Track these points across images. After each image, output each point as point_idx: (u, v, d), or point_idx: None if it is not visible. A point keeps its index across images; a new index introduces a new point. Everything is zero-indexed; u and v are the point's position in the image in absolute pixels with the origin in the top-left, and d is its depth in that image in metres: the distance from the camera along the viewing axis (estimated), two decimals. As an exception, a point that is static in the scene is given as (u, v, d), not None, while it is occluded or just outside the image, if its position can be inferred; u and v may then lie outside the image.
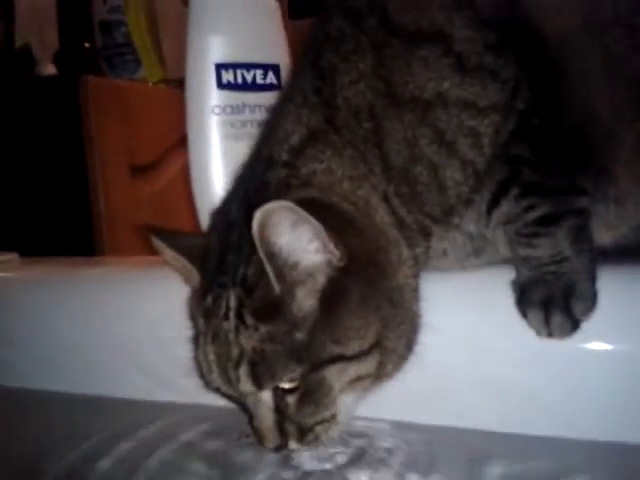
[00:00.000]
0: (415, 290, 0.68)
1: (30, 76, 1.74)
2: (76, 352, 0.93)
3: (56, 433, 0.82)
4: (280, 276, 0.60)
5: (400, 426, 0.73)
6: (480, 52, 0.66)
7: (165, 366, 0.85)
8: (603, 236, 0.73)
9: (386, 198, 0.68)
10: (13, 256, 1.14)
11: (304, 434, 0.65)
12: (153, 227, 0.74)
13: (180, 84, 1.97)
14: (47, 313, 0.96)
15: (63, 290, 0.98)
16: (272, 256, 0.59)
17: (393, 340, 0.64)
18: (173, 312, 0.83)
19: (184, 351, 0.70)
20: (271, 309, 0.61)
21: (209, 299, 0.66)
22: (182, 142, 1.74)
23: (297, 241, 0.60)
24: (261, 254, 0.59)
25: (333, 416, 0.64)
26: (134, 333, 0.89)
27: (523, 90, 0.66)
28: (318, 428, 0.65)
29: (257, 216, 0.57)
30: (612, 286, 0.67)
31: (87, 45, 1.99)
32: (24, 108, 1.59)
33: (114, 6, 1.92)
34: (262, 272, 0.61)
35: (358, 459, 0.67)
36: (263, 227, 0.58)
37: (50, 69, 1.78)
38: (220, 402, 0.74)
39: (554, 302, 0.66)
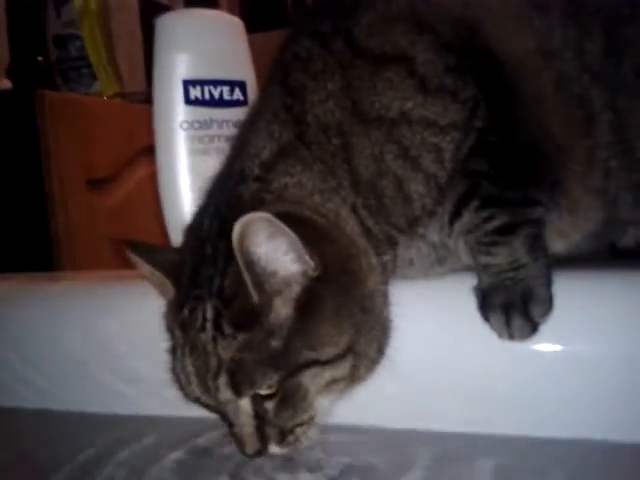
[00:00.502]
0: (384, 296, 0.71)
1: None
2: (44, 368, 0.93)
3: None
4: (258, 285, 0.62)
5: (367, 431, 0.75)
6: (441, 74, 0.70)
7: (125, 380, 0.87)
8: (557, 244, 0.76)
9: (355, 210, 0.71)
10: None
11: (284, 436, 0.67)
12: (129, 241, 0.75)
13: (135, 98, 1.99)
14: (11, 329, 0.95)
15: (28, 306, 0.97)
16: (251, 265, 0.61)
17: (365, 345, 0.67)
18: (134, 326, 0.86)
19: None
20: (249, 318, 0.63)
21: (185, 311, 0.67)
22: (139, 155, 1.77)
23: (275, 251, 0.62)
24: (240, 263, 0.61)
25: (311, 418, 0.67)
26: (99, 347, 0.89)
27: (481, 110, 0.70)
28: (298, 430, 0.67)
29: (237, 227, 0.59)
30: (566, 290, 0.70)
31: (40, 59, 1.97)
32: (-21, 123, 1.56)
33: (68, 20, 1.92)
34: (240, 282, 0.63)
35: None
36: (243, 237, 0.60)
37: (5, 84, 1.75)
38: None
39: (514, 306, 0.69)
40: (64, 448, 0.81)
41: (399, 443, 0.73)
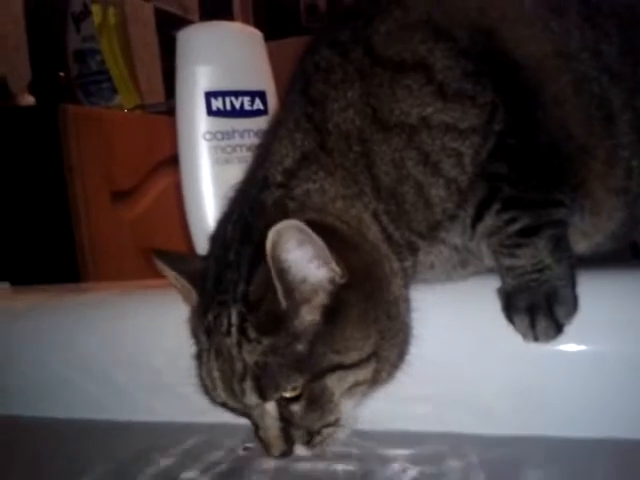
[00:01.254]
0: (407, 301, 0.72)
1: (8, 107, 1.74)
2: (73, 379, 0.94)
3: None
4: (288, 292, 0.64)
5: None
6: (459, 80, 0.70)
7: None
8: (580, 244, 0.77)
9: (376, 216, 0.72)
10: (5, 285, 1.14)
11: (312, 437, 0.68)
12: (157, 250, 0.77)
13: (155, 109, 2.01)
14: (43, 340, 0.97)
15: (58, 316, 0.99)
16: (282, 273, 0.63)
17: (388, 350, 0.68)
18: (167, 333, 0.87)
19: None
20: (274, 323, 0.65)
21: (210, 317, 0.69)
22: (160, 166, 1.79)
23: (304, 259, 0.63)
24: (272, 271, 0.62)
25: (337, 420, 0.68)
26: (131, 357, 0.91)
27: (500, 113, 0.70)
28: (325, 431, 0.68)
29: (270, 235, 0.61)
30: (590, 290, 0.70)
31: (61, 74, 2.00)
32: (4, 139, 1.59)
33: (88, 35, 1.94)
34: (266, 288, 0.64)
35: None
36: (275, 245, 0.61)
37: (27, 99, 1.79)
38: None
39: (538, 308, 0.70)
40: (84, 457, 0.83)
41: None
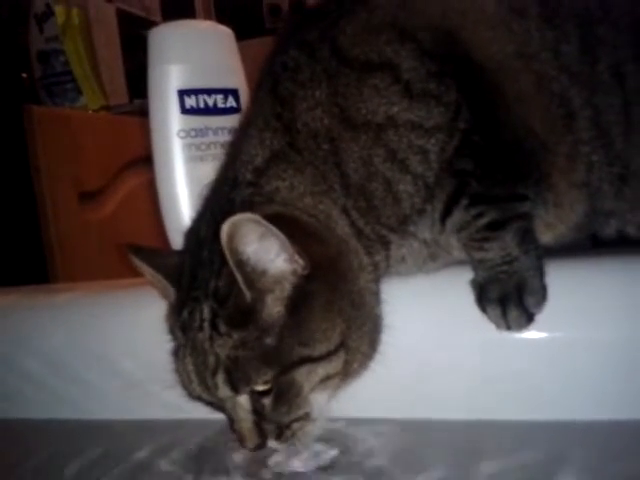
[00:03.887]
0: (376, 293, 0.74)
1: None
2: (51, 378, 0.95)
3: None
4: (249, 283, 0.65)
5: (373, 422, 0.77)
6: (424, 80, 0.72)
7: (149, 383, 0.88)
8: (545, 236, 0.79)
9: (346, 211, 0.73)
10: (-26, 287, 1.13)
11: (282, 432, 0.69)
12: (132, 245, 0.77)
13: (120, 110, 2.00)
14: (15, 343, 0.97)
15: (31, 318, 0.99)
16: (241, 264, 0.64)
17: (357, 340, 0.69)
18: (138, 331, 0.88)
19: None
20: (242, 316, 0.66)
21: (185, 313, 0.70)
22: (127, 167, 1.78)
23: (264, 251, 0.65)
24: (230, 263, 0.64)
25: (307, 414, 0.69)
26: (102, 357, 0.91)
27: (464, 112, 0.72)
28: (294, 425, 0.69)
29: (225, 227, 0.62)
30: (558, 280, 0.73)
31: (24, 75, 1.98)
32: (-33, 140, 1.57)
33: (51, 36, 1.93)
34: (232, 282, 0.66)
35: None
36: (231, 237, 0.62)
37: (-9, 100, 1.76)
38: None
39: (509, 298, 0.72)
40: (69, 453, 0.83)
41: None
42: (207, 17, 3.16)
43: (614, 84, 0.76)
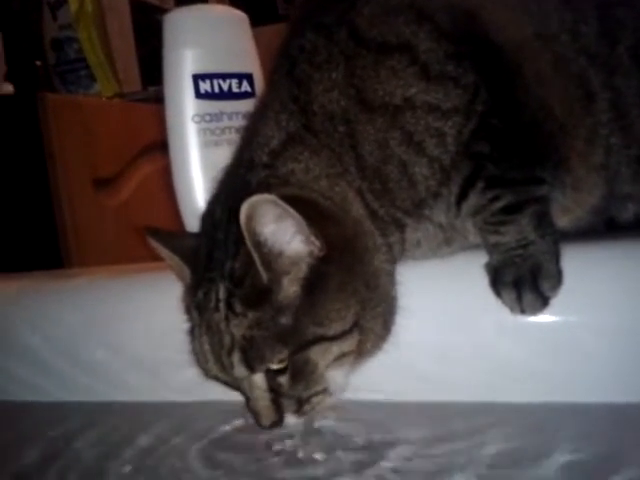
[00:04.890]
0: (391, 275, 0.74)
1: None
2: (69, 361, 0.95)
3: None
4: (266, 264, 0.65)
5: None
6: (442, 61, 0.72)
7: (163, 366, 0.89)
8: (561, 220, 0.79)
9: (361, 193, 0.73)
10: (-9, 272, 1.14)
11: (301, 405, 0.70)
12: (149, 228, 0.78)
13: (134, 97, 2.01)
14: (31, 327, 0.98)
15: (49, 302, 1.00)
16: (258, 245, 0.64)
17: (371, 320, 0.70)
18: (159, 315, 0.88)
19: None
20: (258, 296, 0.67)
21: (200, 294, 0.71)
22: (142, 154, 1.79)
23: (281, 232, 0.65)
24: (248, 243, 0.64)
25: (325, 389, 0.70)
26: (124, 337, 0.92)
27: (482, 94, 0.72)
28: (314, 400, 0.71)
29: (244, 208, 0.62)
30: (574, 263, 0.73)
31: (38, 63, 1.98)
32: (-17, 127, 1.58)
33: (65, 23, 1.93)
34: (249, 263, 0.66)
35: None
36: (250, 218, 0.63)
37: (6, 88, 1.77)
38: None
39: (524, 282, 0.72)
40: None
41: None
42: (220, 2, 3.15)
43: (633, 66, 0.76)
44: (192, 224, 0.89)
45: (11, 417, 0.95)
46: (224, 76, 0.97)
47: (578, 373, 0.73)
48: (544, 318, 0.73)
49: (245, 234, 0.64)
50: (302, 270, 0.67)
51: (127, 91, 2.15)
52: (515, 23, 0.75)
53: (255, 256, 0.65)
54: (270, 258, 0.66)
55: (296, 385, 0.69)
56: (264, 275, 0.66)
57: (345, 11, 0.77)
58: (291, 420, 0.71)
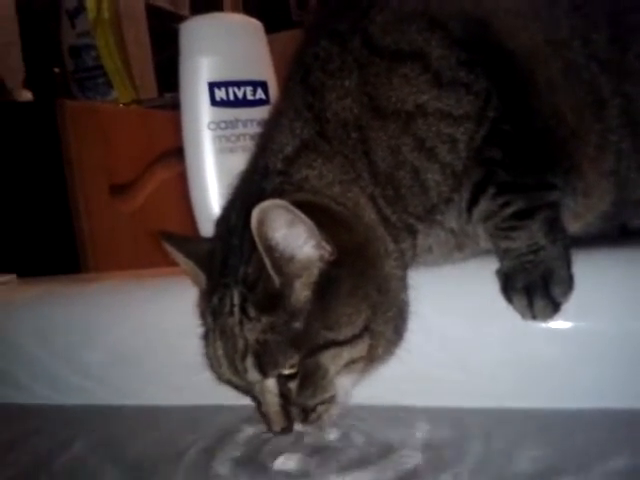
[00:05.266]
0: (402, 280, 0.75)
1: (7, 102, 1.76)
2: (83, 367, 0.97)
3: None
4: (278, 268, 0.66)
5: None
6: (454, 68, 0.73)
7: (174, 372, 0.90)
8: (572, 225, 0.79)
9: (373, 199, 0.74)
10: (12, 277, 1.16)
11: (307, 415, 0.71)
12: (164, 232, 0.79)
13: (150, 104, 2.03)
14: (52, 330, 0.99)
15: (68, 306, 1.01)
16: (270, 249, 0.65)
17: (382, 325, 0.70)
18: (174, 319, 0.89)
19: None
20: (271, 301, 0.67)
21: (215, 299, 0.72)
22: (158, 160, 1.81)
23: (292, 237, 0.66)
24: (260, 247, 0.65)
25: (332, 397, 0.71)
26: (139, 343, 0.94)
27: (493, 100, 0.72)
28: (319, 408, 0.71)
29: (255, 212, 0.63)
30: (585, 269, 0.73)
31: (56, 70, 2.01)
32: (3, 134, 1.60)
33: (82, 31, 1.96)
34: (262, 267, 0.67)
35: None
36: (261, 223, 0.64)
37: (25, 95, 1.80)
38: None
39: (535, 288, 0.72)
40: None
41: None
42: (235, 10, 3.17)
43: None
44: (207, 230, 0.90)
45: (13, 419, 0.97)
46: (239, 84, 0.99)
47: (590, 379, 0.73)
48: (555, 324, 0.73)
49: (256, 239, 0.65)
50: (313, 274, 0.68)
51: (143, 97, 2.18)
52: (526, 30, 0.75)
53: (266, 260, 0.66)
54: (281, 262, 0.66)
55: (304, 392, 0.69)
56: (276, 279, 0.67)
57: (358, 19, 0.78)
58: (300, 427, 0.72)
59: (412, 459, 0.68)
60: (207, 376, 0.74)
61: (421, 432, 0.73)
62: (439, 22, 0.75)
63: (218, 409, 0.86)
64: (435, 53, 0.73)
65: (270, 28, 1.08)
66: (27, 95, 1.81)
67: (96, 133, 1.66)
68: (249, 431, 0.79)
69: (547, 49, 0.75)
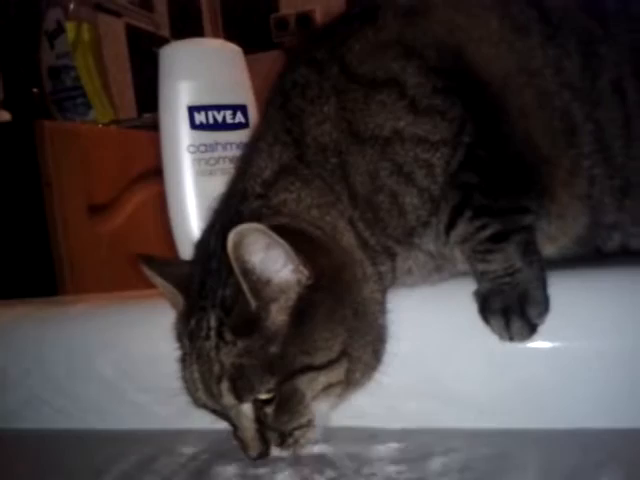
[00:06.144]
0: (381, 304, 0.75)
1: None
2: (62, 389, 0.95)
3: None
4: (254, 292, 0.67)
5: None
6: (430, 95, 0.74)
7: (144, 395, 0.90)
8: (547, 248, 0.80)
9: (352, 223, 0.75)
10: (-12, 299, 1.15)
11: (284, 439, 0.71)
12: (143, 256, 0.79)
13: (129, 124, 2.03)
14: (31, 353, 0.98)
15: (47, 329, 1.00)
16: (246, 273, 0.66)
17: (359, 349, 0.71)
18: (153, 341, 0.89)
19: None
20: (247, 325, 0.68)
21: (192, 322, 0.72)
22: (137, 181, 1.81)
23: (269, 260, 0.67)
24: (236, 271, 0.65)
25: (309, 421, 0.71)
26: (117, 366, 0.92)
27: (468, 126, 0.74)
28: (297, 433, 0.71)
29: (231, 236, 0.64)
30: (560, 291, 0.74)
31: (35, 90, 2.01)
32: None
33: (62, 52, 1.95)
34: (238, 291, 0.67)
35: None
36: (238, 246, 0.64)
37: (3, 116, 1.79)
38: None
39: (512, 309, 0.73)
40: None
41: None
42: (215, 31, 3.19)
43: (615, 99, 0.78)
44: (186, 252, 0.90)
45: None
46: (219, 108, 1.00)
47: (567, 399, 0.74)
48: (532, 344, 0.74)
49: (233, 262, 0.65)
50: (290, 298, 0.68)
51: (123, 118, 2.18)
52: (500, 59, 0.77)
53: (243, 284, 0.66)
54: (258, 286, 0.67)
55: (281, 417, 0.69)
56: (252, 303, 0.67)
57: (337, 47, 0.79)
58: (276, 452, 0.71)
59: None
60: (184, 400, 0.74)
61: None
62: (415, 50, 0.76)
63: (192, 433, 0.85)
64: (411, 81, 0.75)
65: (250, 49, 1.09)
66: (5, 116, 1.79)
67: (75, 153, 1.65)
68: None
69: (520, 78, 0.77)
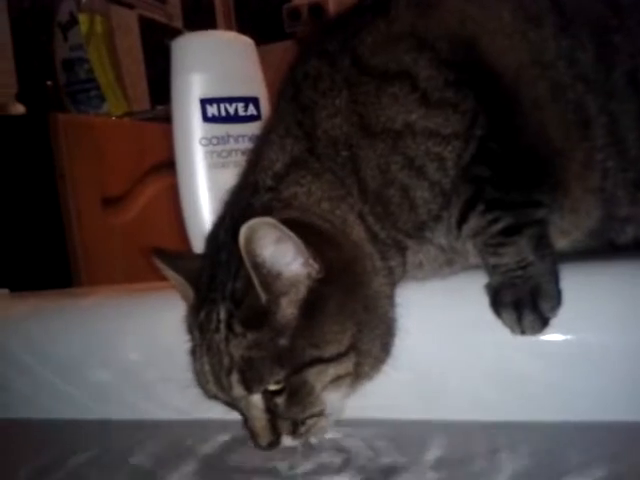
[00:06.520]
0: (390, 297, 0.75)
1: (-2, 116, 1.76)
2: (75, 379, 0.97)
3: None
4: (265, 285, 0.67)
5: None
6: (441, 88, 0.74)
7: (160, 385, 0.90)
8: (560, 242, 0.80)
9: (362, 216, 0.75)
10: (4, 292, 1.16)
11: (296, 428, 0.71)
12: (156, 249, 0.80)
13: (142, 116, 2.03)
14: (47, 345, 0.99)
15: (61, 320, 1.02)
16: (257, 266, 0.66)
17: (368, 343, 0.71)
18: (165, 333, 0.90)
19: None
20: (257, 317, 0.68)
21: (202, 314, 0.73)
22: (150, 173, 1.81)
23: (280, 254, 0.67)
24: (247, 265, 0.66)
25: (321, 411, 0.71)
26: (133, 357, 0.94)
27: (481, 119, 0.73)
28: (309, 422, 0.71)
29: (243, 230, 0.64)
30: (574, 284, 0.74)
31: (49, 83, 2.02)
32: (-4, 147, 1.60)
33: (75, 44, 1.95)
34: (249, 284, 0.68)
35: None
36: (249, 240, 0.65)
37: (18, 108, 1.80)
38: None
39: (524, 303, 0.73)
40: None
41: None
42: (227, 22, 3.20)
43: (630, 91, 0.77)
44: (198, 244, 0.91)
45: (11, 434, 0.97)
46: (231, 100, 1.00)
47: (577, 392, 0.74)
48: (543, 337, 0.74)
49: (244, 255, 0.65)
50: (300, 292, 0.69)
51: (136, 110, 2.18)
52: (513, 50, 0.76)
53: (254, 277, 0.66)
54: (269, 279, 0.67)
55: (292, 407, 0.70)
56: (263, 296, 0.67)
57: (348, 39, 0.79)
58: (287, 441, 0.72)
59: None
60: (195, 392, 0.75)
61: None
62: (427, 42, 0.76)
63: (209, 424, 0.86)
64: (423, 73, 0.74)
65: (263, 39, 1.09)
66: (20, 108, 1.80)
67: (88, 146, 1.65)
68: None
69: (533, 70, 0.76)
